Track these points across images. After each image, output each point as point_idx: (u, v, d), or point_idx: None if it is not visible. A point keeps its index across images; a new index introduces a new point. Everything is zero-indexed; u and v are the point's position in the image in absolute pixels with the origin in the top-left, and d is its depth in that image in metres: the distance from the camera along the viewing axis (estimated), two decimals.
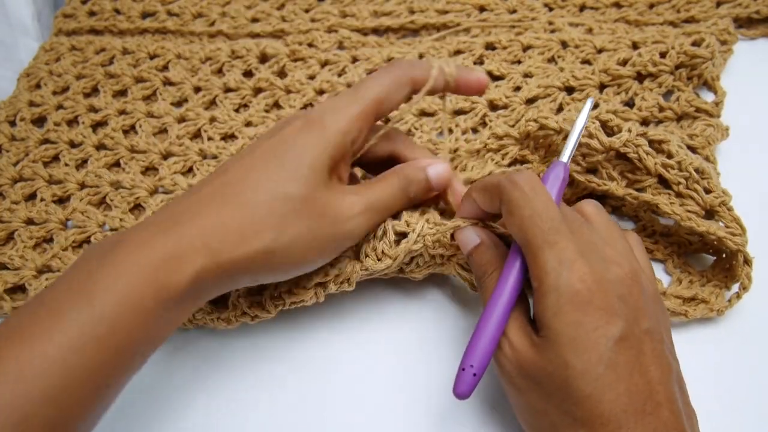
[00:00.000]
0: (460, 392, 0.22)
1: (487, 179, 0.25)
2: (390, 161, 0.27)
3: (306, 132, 0.24)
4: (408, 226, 0.26)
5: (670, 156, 0.28)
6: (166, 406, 0.28)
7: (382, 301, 0.30)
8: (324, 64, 0.40)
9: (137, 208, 0.35)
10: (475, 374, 0.22)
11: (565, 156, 0.26)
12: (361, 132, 0.25)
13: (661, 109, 0.33)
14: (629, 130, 0.28)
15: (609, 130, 0.29)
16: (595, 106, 0.34)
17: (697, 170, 0.28)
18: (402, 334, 0.29)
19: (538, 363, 0.21)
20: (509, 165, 0.31)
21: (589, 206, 0.25)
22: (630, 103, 0.34)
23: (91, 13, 0.48)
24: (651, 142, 0.28)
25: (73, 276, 0.21)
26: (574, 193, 0.31)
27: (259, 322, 0.28)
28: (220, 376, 0.29)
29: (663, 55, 0.33)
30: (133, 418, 0.28)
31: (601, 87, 0.35)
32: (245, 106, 0.39)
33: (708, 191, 0.28)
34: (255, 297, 0.28)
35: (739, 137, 0.33)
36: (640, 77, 0.34)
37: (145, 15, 0.47)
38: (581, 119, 0.27)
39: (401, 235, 0.26)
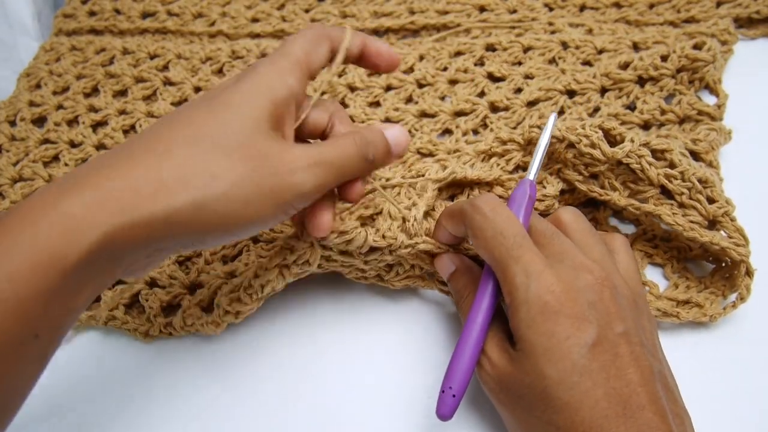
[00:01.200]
0: (442, 414, 0.23)
1: (451, 206, 0.26)
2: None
3: (240, 82, 0.21)
4: (384, 238, 0.26)
5: (672, 165, 0.28)
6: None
7: (368, 304, 0.30)
8: None
9: None
10: (454, 395, 0.23)
11: (531, 173, 0.27)
12: (298, 84, 0.22)
13: (663, 113, 0.33)
14: (632, 141, 0.28)
15: (612, 138, 0.29)
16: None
17: (700, 180, 0.28)
18: (392, 336, 0.29)
19: (517, 376, 0.22)
20: (512, 171, 0.31)
21: (566, 214, 0.25)
22: (631, 107, 0.34)
23: (92, 13, 0.48)
24: (654, 152, 0.28)
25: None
26: (576, 198, 0.31)
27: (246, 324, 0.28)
28: (204, 383, 0.29)
29: (664, 58, 0.33)
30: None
31: (603, 90, 0.35)
32: None
33: (711, 200, 0.28)
34: (233, 294, 0.28)
35: (739, 137, 0.33)
36: (641, 81, 0.34)
37: (145, 15, 0.47)
38: (545, 136, 0.27)
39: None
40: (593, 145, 0.28)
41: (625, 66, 0.34)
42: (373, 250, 0.27)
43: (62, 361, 0.29)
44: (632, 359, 0.21)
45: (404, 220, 0.27)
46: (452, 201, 0.30)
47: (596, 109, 0.34)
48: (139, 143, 0.20)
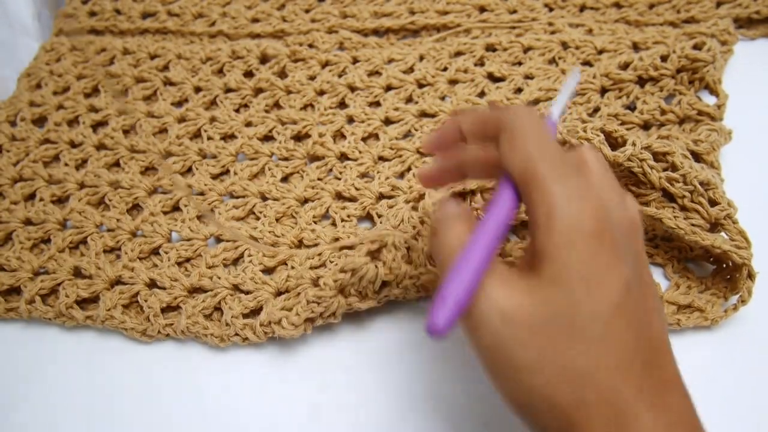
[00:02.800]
0: (435, 327, 0.18)
1: (481, 111, 0.22)
2: None
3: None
4: (390, 271, 0.27)
5: (674, 168, 0.28)
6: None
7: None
8: (324, 64, 0.40)
9: (135, 208, 0.35)
10: (453, 305, 0.18)
11: (555, 114, 0.23)
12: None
13: (663, 113, 0.33)
14: (633, 144, 0.28)
15: (613, 140, 0.29)
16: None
17: (702, 183, 0.27)
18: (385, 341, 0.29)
19: (537, 307, 0.19)
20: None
21: (589, 153, 0.22)
22: (631, 107, 0.34)
23: (92, 14, 0.48)
24: (656, 154, 0.28)
25: None
26: None
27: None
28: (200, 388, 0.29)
29: (664, 59, 0.33)
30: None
31: (603, 91, 0.35)
32: (245, 106, 0.39)
33: (713, 203, 0.28)
34: (248, 320, 0.28)
35: (739, 137, 0.33)
36: (641, 81, 0.34)
37: (145, 15, 0.47)
38: (569, 85, 0.24)
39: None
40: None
41: (625, 66, 0.34)
42: (384, 285, 0.27)
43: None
44: (655, 310, 0.20)
45: (409, 249, 0.27)
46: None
47: (596, 110, 0.34)
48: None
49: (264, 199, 0.34)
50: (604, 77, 0.34)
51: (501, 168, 0.21)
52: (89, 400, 0.28)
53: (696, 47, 0.33)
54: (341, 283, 0.27)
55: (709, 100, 0.34)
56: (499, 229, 0.20)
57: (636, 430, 0.18)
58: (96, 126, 0.39)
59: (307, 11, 0.44)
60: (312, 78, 0.39)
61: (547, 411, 0.19)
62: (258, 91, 0.39)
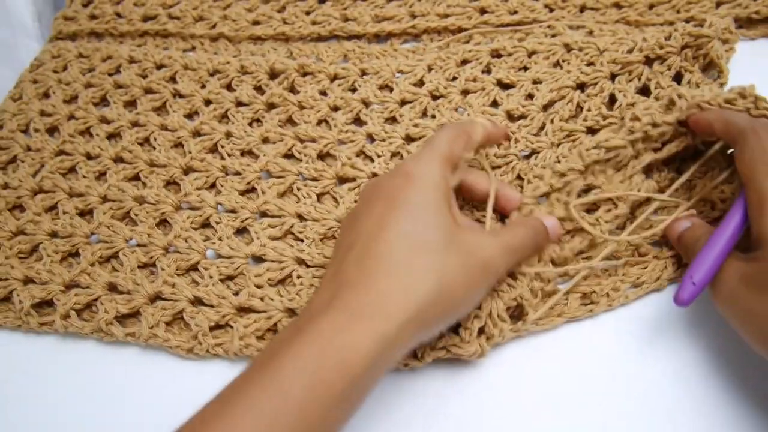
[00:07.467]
0: (681, 298, 0.25)
1: (731, 116, 0.28)
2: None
3: (411, 184, 0.25)
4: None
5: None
6: None
7: None
8: (333, 78, 0.40)
9: (163, 223, 0.35)
10: (694, 283, 0.25)
11: None
12: (451, 177, 0.27)
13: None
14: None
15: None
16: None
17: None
18: None
19: (764, 270, 0.24)
20: (579, 195, 0.31)
21: None
22: (645, 92, 0.35)
23: (92, 17, 0.48)
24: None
25: (263, 365, 0.22)
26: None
27: None
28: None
29: (668, 38, 0.34)
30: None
31: (613, 77, 0.35)
32: (258, 120, 0.39)
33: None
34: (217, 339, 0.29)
35: None
36: (649, 61, 0.35)
37: (146, 18, 0.47)
38: None
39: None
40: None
41: (630, 50, 0.35)
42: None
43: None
44: None
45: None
46: None
47: (612, 99, 0.35)
48: (365, 262, 0.24)
49: (302, 219, 0.34)
50: (611, 63, 0.35)
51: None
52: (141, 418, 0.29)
53: (697, 26, 0.34)
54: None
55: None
56: (739, 221, 0.26)
57: None
58: (109, 137, 0.40)
59: (307, 13, 0.44)
60: (323, 93, 0.39)
61: None
62: (270, 105, 0.39)
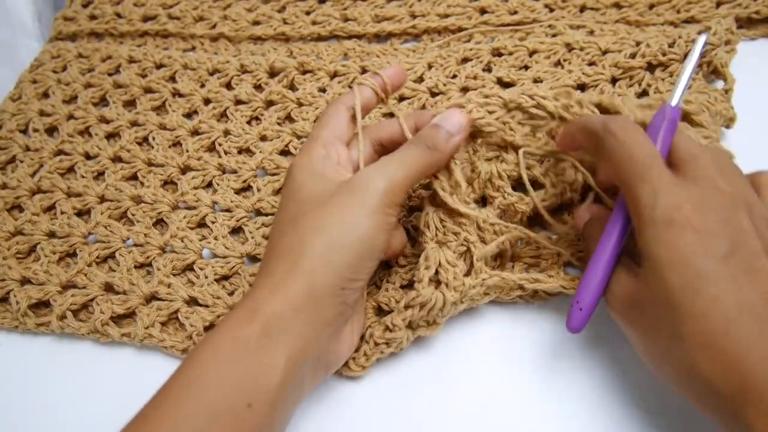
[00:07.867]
0: (571, 327, 0.25)
1: (586, 122, 0.26)
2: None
3: (291, 179, 0.27)
4: (455, 290, 0.27)
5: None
6: None
7: None
8: (333, 75, 0.40)
9: (160, 222, 0.35)
10: (581, 309, 0.24)
11: (674, 99, 0.26)
12: (342, 150, 0.28)
13: None
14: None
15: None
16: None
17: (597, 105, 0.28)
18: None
19: (642, 291, 0.23)
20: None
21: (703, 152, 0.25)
22: (644, 97, 0.35)
23: (92, 17, 0.48)
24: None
25: (180, 380, 0.23)
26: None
27: None
28: None
29: (671, 45, 0.34)
30: None
31: (613, 80, 0.35)
32: (257, 118, 0.39)
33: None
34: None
35: (739, 137, 0.34)
36: (651, 67, 0.35)
37: (146, 19, 0.47)
38: (692, 58, 0.27)
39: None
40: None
41: (633, 56, 0.35)
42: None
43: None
44: None
45: (470, 255, 0.27)
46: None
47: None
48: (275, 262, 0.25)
49: None
50: (613, 67, 0.35)
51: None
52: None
53: (701, 32, 0.34)
54: (410, 320, 0.27)
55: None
56: (618, 234, 0.25)
57: None
58: (108, 137, 0.40)
59: (307, 13, 0.44)
60: (322, 90, 0.39)
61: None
62: (269, 103, 0.39)
